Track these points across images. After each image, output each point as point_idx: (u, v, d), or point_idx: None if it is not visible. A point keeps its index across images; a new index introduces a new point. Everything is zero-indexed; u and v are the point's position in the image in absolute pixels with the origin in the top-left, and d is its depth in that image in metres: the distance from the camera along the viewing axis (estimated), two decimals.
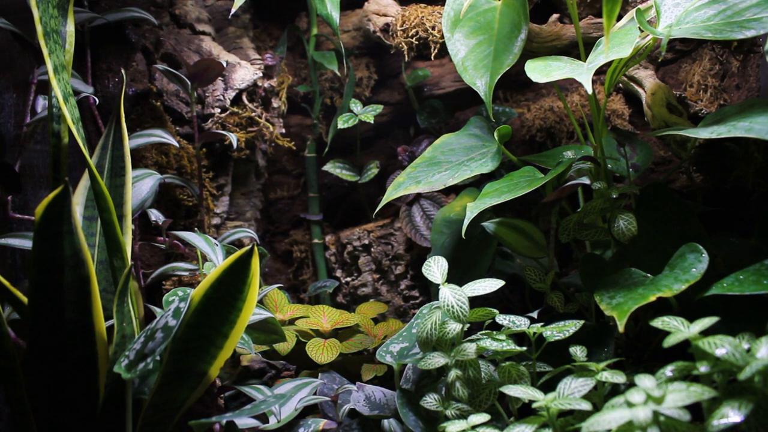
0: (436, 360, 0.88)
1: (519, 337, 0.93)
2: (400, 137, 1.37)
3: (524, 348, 0.86)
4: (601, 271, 0.92)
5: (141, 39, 1.24)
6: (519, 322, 0.89)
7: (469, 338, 0.89)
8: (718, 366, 0.67)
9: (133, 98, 1.21)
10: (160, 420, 0.86)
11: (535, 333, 0.87)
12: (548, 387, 0.81)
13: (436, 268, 0.91)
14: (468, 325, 0.89)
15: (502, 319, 0.90)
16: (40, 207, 0.82)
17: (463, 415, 0.84)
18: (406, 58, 1.30)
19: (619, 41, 0.88)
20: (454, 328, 0.88)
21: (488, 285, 0.90)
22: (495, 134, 1.03)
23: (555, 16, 1.11)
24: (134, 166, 1.12)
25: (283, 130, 1.34)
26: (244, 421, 0.94)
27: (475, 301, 0.89)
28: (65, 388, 0.86)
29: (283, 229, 1.42)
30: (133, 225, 1.06)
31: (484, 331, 0.89)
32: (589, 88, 0.84)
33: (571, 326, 0.87)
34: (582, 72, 0.86)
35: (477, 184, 1.21)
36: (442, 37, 1.19)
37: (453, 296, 0.87)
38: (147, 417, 0.85)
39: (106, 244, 0.93)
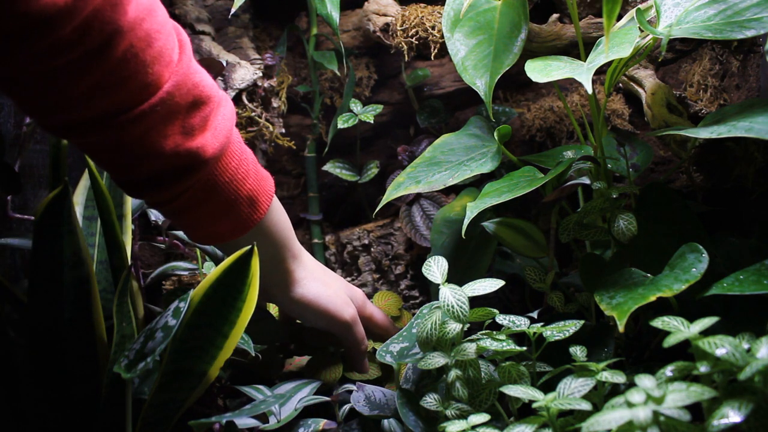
0: (436, 360, 0.88)
1: (519, 337, 0.92)
2: (400, 137, 1.36)
3: (524, 348, 0.86)
4: (601, 271, 0.91)
5: None
6: (519, 322, 0.89)
7: (469, 338, 0.88)
8: (718, 366, 0.66)
9: None
10: (160, 420, 0.86)
11: (535, 333, 0.86)
12: (548, 387, 0.81)
13: (436, 268, 0.91)
14: (468, 325, 0.89)
15: (502, 319, 0.90)
16: (39, 207, 0.82)
17: (463, 415, 0.84)
18: (406, 58, 1.30)
19: (619, 41, 0.87)
20: (454, 328, 0.88)
21: (488, 285, 0.89)
22: (495, 134, 1.03)
23: (555, 16, 1.11)
24: None
25: (283, 130, 1.34)
26: (243, 421, 0.94)
27: (475, 301, 0.89)
28: (65, 388, 0.86)
29: None
30: (133, 225, 1.06)
31: (484, 331, 0.89)
32: (589, 88, 0.84)
33: (571, 326, 0.87)
34: (582, 72, 0.86)
35: (477, 184, 1.21)
36: (442, 37, 1.19)
37: (453, 296, 0.87)
38: (147, 417, 0.85)
39: (105, 244, 0.93)
